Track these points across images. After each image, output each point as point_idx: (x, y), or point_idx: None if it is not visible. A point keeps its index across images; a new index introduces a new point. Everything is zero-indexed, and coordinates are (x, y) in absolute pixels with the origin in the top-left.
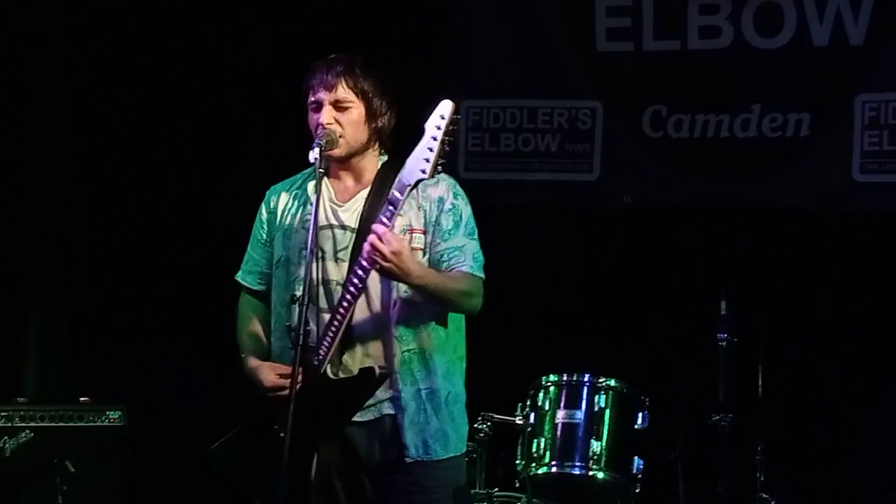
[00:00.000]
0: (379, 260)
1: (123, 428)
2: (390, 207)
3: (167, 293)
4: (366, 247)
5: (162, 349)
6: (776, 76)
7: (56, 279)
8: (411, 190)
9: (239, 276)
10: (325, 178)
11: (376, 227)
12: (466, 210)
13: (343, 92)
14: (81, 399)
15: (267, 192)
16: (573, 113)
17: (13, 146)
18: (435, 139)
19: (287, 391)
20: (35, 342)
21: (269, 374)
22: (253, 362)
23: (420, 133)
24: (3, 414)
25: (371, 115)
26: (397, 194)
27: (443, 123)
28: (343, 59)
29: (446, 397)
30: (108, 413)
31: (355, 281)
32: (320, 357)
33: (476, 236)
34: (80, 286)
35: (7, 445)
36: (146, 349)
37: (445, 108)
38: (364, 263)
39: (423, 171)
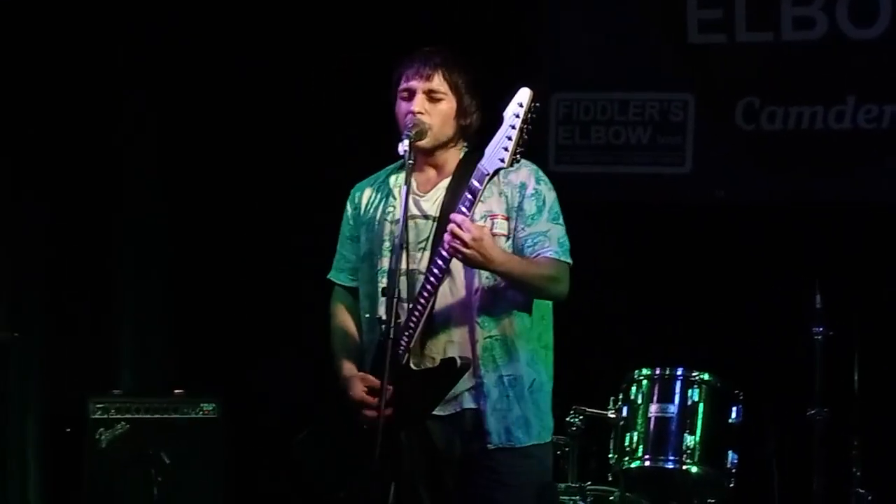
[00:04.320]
0: (460, 248)
1: (218, 420)
2: (469, 196)
3: (263, 286)
4: (446, 237)
5: (257, 342)
6: (871, 67)
7: (152, 272)
8: (490, 179)
9: (332, 276)
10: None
11: (454, 216)
12: (550, 195)
13: (438, 83)
14: (176, 391)
15: (351, 190)
16: (665, 105)
17: (106, 145)
18: (513, 127)
19: (371, 411)
20: (131, 335)
21: (358, 387)
22: (346, 370)
23: (499, 122)
24: (99, 406)
25: (461, 112)
26: (476, 183)
27: (521, 111)
28: (441, 52)
29: (530, 385)
30: (202, 405)
31: (435, 271)
32: (402, 347)
33: (561, 221)
34: (176, 279)
35: (103, 437)
36: (242, 341)
37: (523, 95)
38: (444, 253)
39: (502, 160)
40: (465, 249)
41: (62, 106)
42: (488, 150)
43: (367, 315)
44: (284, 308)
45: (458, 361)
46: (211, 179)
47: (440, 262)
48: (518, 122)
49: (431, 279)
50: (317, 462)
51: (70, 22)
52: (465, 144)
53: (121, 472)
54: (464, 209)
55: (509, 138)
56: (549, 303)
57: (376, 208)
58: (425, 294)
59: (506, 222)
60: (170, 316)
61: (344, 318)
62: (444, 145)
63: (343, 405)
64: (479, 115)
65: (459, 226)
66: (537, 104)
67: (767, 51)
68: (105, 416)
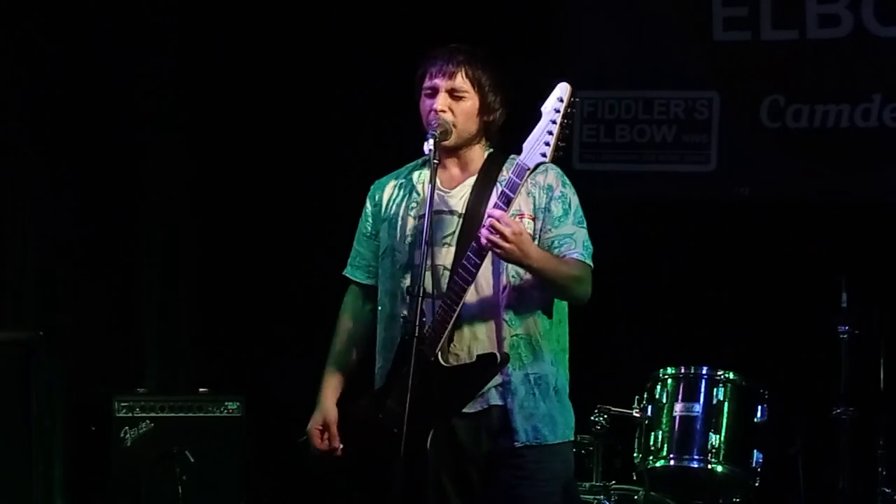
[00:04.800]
0: (500, 242)
1: (242, 418)
2: (507, 192)
3: (288, 285)
4: (484, 231)
5: (282, 340)
6: None
7: (177, 270)
8: (530, 174)
9: (347, 272)
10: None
11: (493, 210)
12: (575, 199)
13: (461, 81)
14: (200, 390)
15: (371, 187)
16: (690, 103)
17: (128, 144)
18: (554, 122)
19: (325, 450)
20: (156, 334)
21: (316, 423)
22: (325, 389)
23: (537, 117)
24: (124, 404)
25: (484, 109)
26: (515, 179)
27: (561, 106)
28: (464, 49)
29: (554, 385)
30: (226, 404)
31: (468, 266)
32: (428, 343)
33: (585, 225)
34: (199, 278)
35: (128, 436)
36: (266, 340)
37: (563, 90)
38: (479, 248)
39: (544, 155)
40: (504, 244)
41: (89, 100)
42: (527, 146)
43: (382, 309)
44: (309, 306)
45: (498, 357)
46: (237, 178)
47: (474, 257)
48: (558, 117)
49: (465, 275)
50: (320, 463)
51: (99, 17)
52: (489, 144)
53: (145, 471)
54: (501, 204)
55: (550, 133)
56: (566, 306)
57: (399, 204)
58: (456, 289)
59: (532, 222)
60: (195, 314)
61: (348, 329)
62: (468, 143)
63: (344, 409)
64: (503, 111)
65: (498, 220)
66: (576, 99)
67: (793, 48)
68: (130, 415)
